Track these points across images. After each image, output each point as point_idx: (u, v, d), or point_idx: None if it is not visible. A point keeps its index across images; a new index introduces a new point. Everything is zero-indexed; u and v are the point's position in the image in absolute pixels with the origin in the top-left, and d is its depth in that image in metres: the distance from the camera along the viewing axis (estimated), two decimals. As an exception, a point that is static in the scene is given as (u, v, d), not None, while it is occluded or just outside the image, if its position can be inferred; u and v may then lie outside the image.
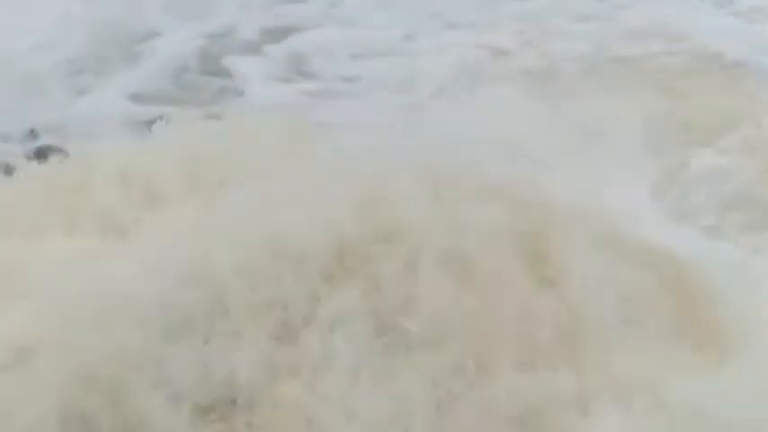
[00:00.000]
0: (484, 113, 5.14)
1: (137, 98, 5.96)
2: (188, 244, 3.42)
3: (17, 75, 6.08)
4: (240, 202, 3.66)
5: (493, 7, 7.13)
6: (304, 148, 4.35)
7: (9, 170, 4.72)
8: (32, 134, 5.41)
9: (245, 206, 3.60)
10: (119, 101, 5.94)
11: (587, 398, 3.25)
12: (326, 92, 6.12)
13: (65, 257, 3.67)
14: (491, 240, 3.44)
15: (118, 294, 3.27)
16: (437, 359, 3.22)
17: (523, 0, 7.24)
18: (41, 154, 4.94)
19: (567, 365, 3.28)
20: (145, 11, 7.08)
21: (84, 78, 6.19)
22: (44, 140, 5.30)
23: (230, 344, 3.20)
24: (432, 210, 3.49)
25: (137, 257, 3.47)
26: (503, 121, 4.98)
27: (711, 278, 3.66)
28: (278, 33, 6.82)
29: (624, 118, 5.15)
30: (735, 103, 5.39)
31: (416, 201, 3.50)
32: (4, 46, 6.34)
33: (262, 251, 3.34)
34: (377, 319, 3.26)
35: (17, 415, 3.07)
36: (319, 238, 3.36)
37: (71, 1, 7.03)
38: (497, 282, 3.38)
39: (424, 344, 3.23)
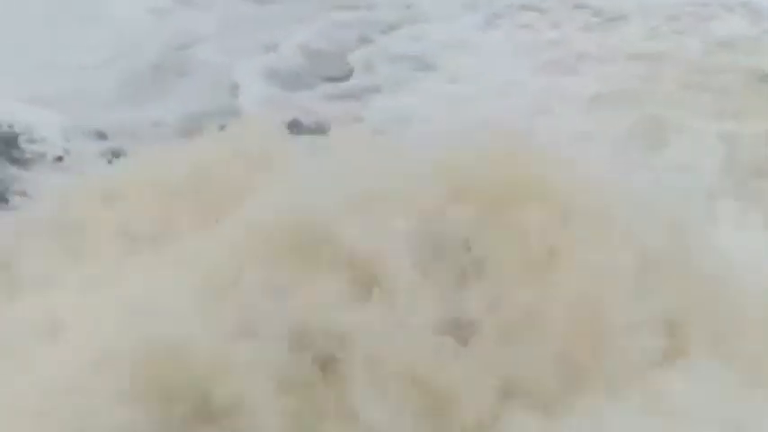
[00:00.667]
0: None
1: (191, 112, 6.50)
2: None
3: (87, 86, 6.71)
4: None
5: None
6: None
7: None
8: (101, 136, 6.16)
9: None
10: (177, 112, 6.52)
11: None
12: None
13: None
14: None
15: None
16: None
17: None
18: (115, 153, 5.81)
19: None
20: (208, 23, 7.63)
21: (144, 90, 6.77)
22: (113, 143, 6.05)
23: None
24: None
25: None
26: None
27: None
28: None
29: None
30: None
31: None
32: (74, 62, 6.99)
33: None
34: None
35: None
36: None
37: (140, 16, 7.66)
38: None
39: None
